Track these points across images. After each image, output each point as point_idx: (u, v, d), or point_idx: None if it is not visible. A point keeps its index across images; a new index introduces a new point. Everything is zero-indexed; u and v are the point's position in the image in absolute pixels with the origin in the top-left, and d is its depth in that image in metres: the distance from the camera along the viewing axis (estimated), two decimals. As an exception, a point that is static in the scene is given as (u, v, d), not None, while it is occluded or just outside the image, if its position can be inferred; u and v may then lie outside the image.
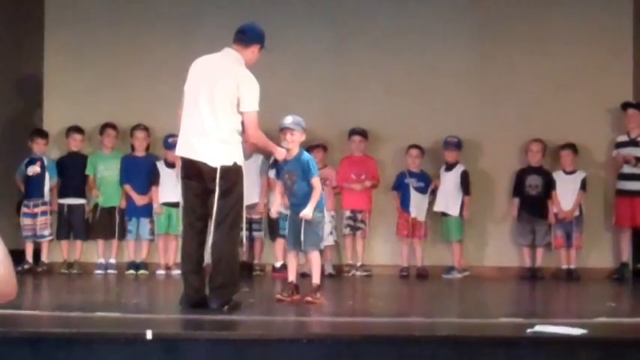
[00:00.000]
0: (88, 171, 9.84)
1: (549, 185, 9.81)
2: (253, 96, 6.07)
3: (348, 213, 9.88)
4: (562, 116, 9.91)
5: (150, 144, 9.91)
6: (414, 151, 9.80)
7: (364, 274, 9.70)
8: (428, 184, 9.82)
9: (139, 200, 9.78)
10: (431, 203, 9.88)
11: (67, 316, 5.76)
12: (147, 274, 9.61)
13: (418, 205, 9.79)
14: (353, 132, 9.81)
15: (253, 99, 6.06)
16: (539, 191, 9.81)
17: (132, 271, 9.68)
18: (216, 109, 6.01)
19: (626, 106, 9.74)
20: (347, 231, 9.85)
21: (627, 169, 9.61)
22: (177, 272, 9.44)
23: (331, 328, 5.61)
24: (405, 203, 9.82)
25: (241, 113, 6.05)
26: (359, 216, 9.85)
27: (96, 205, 9.85)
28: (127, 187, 9.83)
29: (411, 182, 9.80)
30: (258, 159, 9.75)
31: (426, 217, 9.79)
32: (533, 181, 9.83)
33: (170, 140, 9.10)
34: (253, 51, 6.24)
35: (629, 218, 9.58)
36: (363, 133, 9.83)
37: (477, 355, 4.81)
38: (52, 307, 6.65)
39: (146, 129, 9.83)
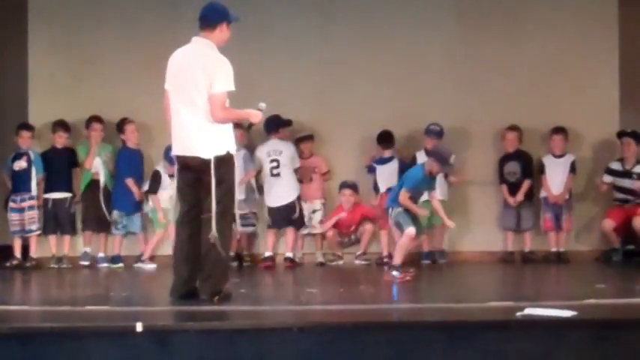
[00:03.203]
0: (80, 159, 9.78)
1: (528, 169, 9.84)
2: (222, 78, 5.95)
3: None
4: (548, 102, 9.94)
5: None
6: None
7: (364, 263, 9.72)
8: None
9: (140, 195, 9.73)
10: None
11: (56, 311, 5.74)
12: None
13: None
14: (344, 186, 9.78)
15: (222, 80, 5.94)
16: (518, 177, 9.85)
17: (120, 265, 9.69)
18: (196, 102, 5.97)
19: (620, 134, 9.77)
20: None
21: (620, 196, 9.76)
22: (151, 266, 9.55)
23: (323, 315, 5.61)
24: None
25: (210, 96, 5.93)
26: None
27: (87, 185, 9.78)
28: (130, 181, 9.73)
29: None
30: (240, 154, 9.72)
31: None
32: (511, 168, 9.89)
33: (171, 154, 8.99)
34: (222, 30, 6.11)
35: (619, 218, 9.65)
36: (353, 187, 9.80)
37: (468, 339, 4.81)
38: (41, 302, 6.64)
39: (133, 122, 9.77)
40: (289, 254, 9.58)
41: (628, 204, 9.68)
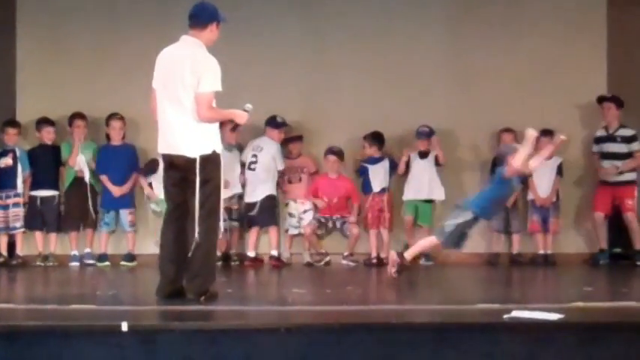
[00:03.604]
0: (64, 156, 9.72)
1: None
2: (210, 77, 5.94)
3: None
4: (537, 103, 9.95)
5: (125, 133, 9.82)
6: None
7: (351, 264, 9.70)
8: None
9: (117, 191, 9.70)
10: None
11: (42, 309, 5.71)
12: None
13: None
14: (329, 151, 9.79)
15: (210, 80, 5.93)
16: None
17: (107, 263, 9.67)
18: (183, 100, 5.95)
19: (601, 99, 9.79)
20: (314, 222, 9.82)
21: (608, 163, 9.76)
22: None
23: (309, 317, 5.59)
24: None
25: (197, 95, 5.92)
26: (335, 217, 9.83)
27: (71, 183, 9.72)
28: (104, 177, 9.74)
29: None
30: (235, 154, 9.72)
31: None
32: None
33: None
34: (212, 30, 6.10)
35: (608, 205, 9.69)
36: (339, 154, 9.79)
37: (454, 341, 4.81)
38: (26, 300, 6.60)
39: (122, 118, 9.75)
40: (274, 252, 9.58)
41: (614, 182, 9.66)
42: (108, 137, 9.87)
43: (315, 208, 9.78)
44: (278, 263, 9.51)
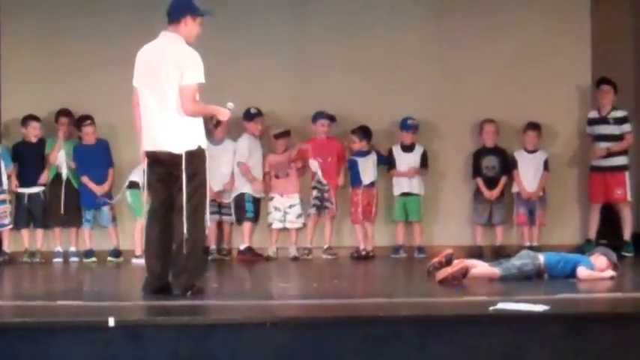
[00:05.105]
0: (46, 152, 9.69)
1: (505, 164, 9.88)
2: (193, 69, 5.94)
3: (315, 192, 9.82)
4: (522, 95, 9.98)
5: (98, 131, 9.72)
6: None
7: (330, 257, 9.71)
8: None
9: (99, 190, 9.66)
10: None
11: (28, 306, 5.70)
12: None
13: None
14: (321, 116, 9.77)
15: (193, 72, 5.94)
16: (497, 172, 9.88)
17: (93, 259, 9.64)
18: (167, 96, 5.95)
19: (600, 82, 9.81)
20: (312, 211, 9.81)
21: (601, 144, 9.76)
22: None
23: (295, 310, 5.61)
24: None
25: (181, 88, 5.92)
26: (325, 194, 9.80)
27: (53, 179, 9.70)
28: (85, 179, 9.70)
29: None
30: (231, 144, 9.70)
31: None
32: (490, 163, 9.91)
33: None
34: (186, 23, 6.08)
35: (602, 194, 9.71)
36: (332, 118, 9.79)
37: (441, 333, 4.83)
38: (13, 297, 6.61)
39: (93, 122, 9.66)
40: (242, 246, 9.55)
41: (605, 167, 9.67)
42: (79, 138, 9.82)
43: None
44: (246, 257, 9.46)
